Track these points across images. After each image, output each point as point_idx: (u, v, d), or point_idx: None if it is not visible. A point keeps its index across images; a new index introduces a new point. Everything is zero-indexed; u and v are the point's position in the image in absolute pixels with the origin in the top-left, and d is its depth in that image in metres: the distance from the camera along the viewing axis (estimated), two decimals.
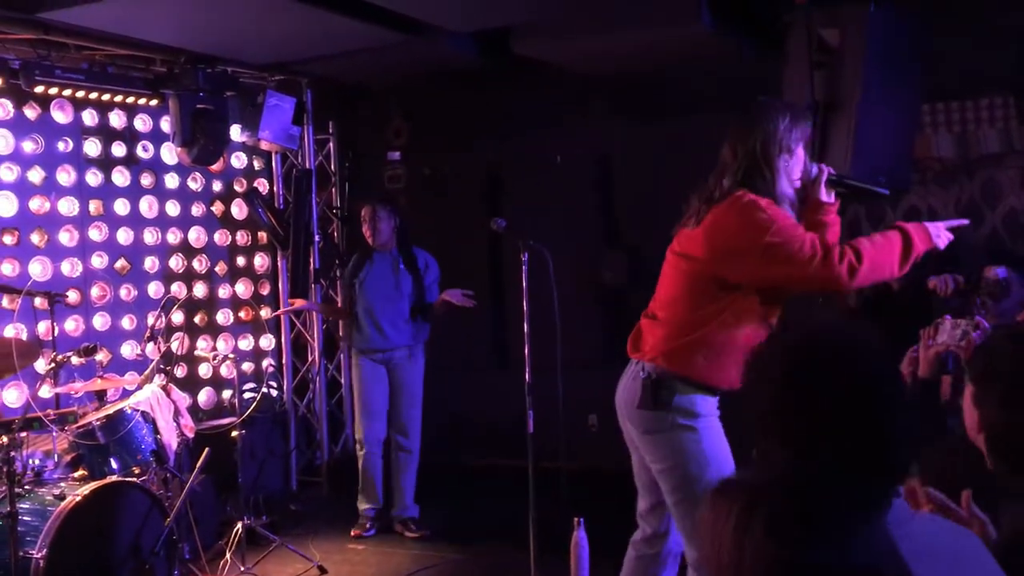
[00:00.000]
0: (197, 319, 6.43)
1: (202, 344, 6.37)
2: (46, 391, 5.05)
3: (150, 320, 5.06)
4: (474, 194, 6.67)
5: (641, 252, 6.36)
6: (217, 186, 6.62)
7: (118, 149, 6.01)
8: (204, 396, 6.44)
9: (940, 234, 2.96)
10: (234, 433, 5.07)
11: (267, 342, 6.83)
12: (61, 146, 5.71)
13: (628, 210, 6.45)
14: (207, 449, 4.68)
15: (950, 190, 5.55)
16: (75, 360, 4.60)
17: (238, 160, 6.73)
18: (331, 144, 6.90)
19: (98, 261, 5.88)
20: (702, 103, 5.85)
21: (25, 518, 3.85)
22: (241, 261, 6.77)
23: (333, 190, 6.90)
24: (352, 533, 5.52)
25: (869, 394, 1.41)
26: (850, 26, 4.07)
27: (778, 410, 1.45)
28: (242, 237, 6.78)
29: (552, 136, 6.46)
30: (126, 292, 6.02)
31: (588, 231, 6.47)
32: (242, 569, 4.75)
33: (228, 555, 4.82)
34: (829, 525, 1.19)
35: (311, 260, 6.63)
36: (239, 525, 4.86)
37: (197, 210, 6.47)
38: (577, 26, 5.27)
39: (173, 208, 6.31)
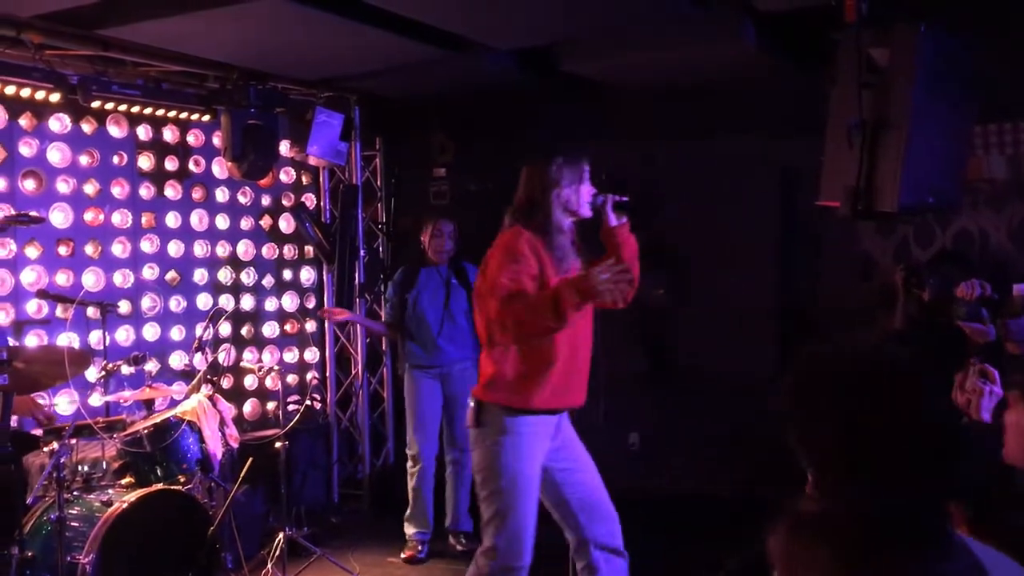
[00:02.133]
0: (244, 331, 6.52)
1: (248, 356, 6.46)
2: (96, 399, 5.15)
3: (198, 331, 5.15)
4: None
5: (685, 270, 6.34)
6: (266, 200, 6.72)
7: (170, 163, 6.14)
8: (249, 407, 6.52)
9: (608, 279, 3.25)
10: (278, 444, 5.13)
11: (311, 355, 6.91)
12: (116, 160, 5.85)
13: (671, 227, 6.43)
14: (251, 459, 4.74)
15: (1003, 212, 5.45)
16: (125, 369, 4.70)
17: (286, 175, 6.83)
18: (377, 160, 6.98)
19: (149, 273, 6.00)
20: (747, 121, 5.83)
21: (73, 523, 3.94)
22: (288, 274, 6.86)
23: (379, 205, 6.97)
24: (403, 555, 5.47)
25: (937, 427, 1.41)
26: (900, 46, 4.03)
27: (844, 448, 1.43)
28: (289, 251, 6.87)
29: (595, 153, 6.47)
30: (176, 303, 6.13)
31: None
32: None
33: (269, 565, 4.87)
34: (915, 552, 1.20)
35: (356, 274, 6.70)
36: (281, 536, 4.90)
37: (246, 224, 6.58)
38: (620, 43, 5.28)
39: (223, 221, 6.42)
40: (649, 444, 6.45)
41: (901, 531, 1.23)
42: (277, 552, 4.87)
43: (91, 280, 5.67)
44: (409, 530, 5.54)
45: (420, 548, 5.49)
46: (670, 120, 6.14)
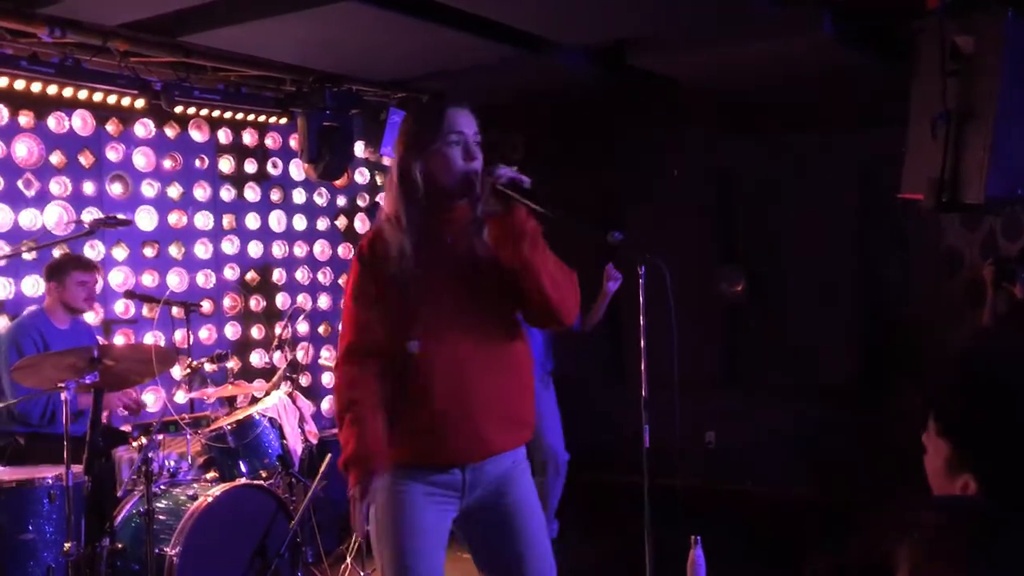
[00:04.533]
0: (321, 329, 6.64)
1: (325, 354, 6.56)
2: (181, 396, 5.30)
3: (277, 330, 5.26)
4: (590, 207, 6.68)
5: (760, 268, 6.24)
6: (341, 201, 6.83)
7: (250, 166, 6.28)
8: (327, 404, 6.63)
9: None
10: None
11: None
12: (197, 163, 6.02)
13: (747, 225, 6.34)
14: (329, 455, 4.82)
15: None
16: (208, 367, 4.82)
17: (361, 175, 6.92)
18: None
19: (230, 273, 6.15)
20: (824, 115, 5.71)
21: (160, 516, 4.05)
22: None
23: None
24: None
25: None
26: (986, 33, 3.90)
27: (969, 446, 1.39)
28: (357, 247, 6.96)
29: (669, 150, 6.42)
30: (255, 303, 6.27)
31: (706, 246, 6.39)
32: (362, 574, 4.86)
33: (348, 560, 4.94)
34: None
35: None
36: None
37: (322, 224, 6.69)
38: (695, 38, 5.22)
39: (300, 222, 6.55)
40: (726, 443, 6.37)
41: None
42: (356, 548, 4.95)
43: (175, 280, 5.84)
44: None
45: None
46: (746, 115, 6.06)
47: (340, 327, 2.65)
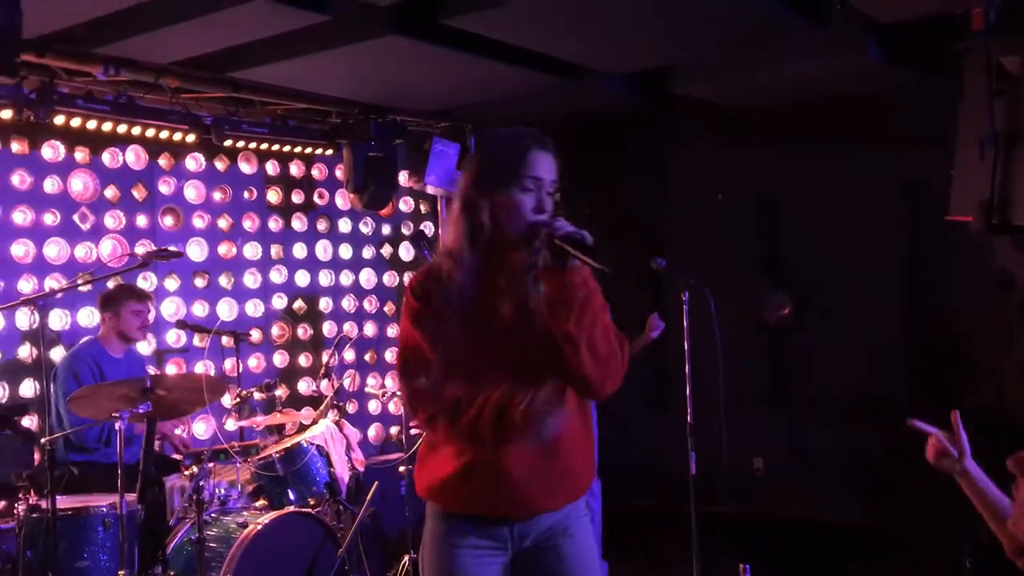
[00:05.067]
0: (367, 357, 6.70)
1: (371, 381, 6.62)
2: (231, 424, 5.38)
3: (324, 358, 5.32)
4: (635, 233, 6.67)
5: (806, 291, 6.18)
6: (386, 229, 6.91)
7: (297, 196, 6.38)
8: (373, 431, 6.68)
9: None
10: (401, 468, 5.23)
11: None
12: (246, 195, 6.13)
13: (792, 248, 6.29)
14: (376, 483, 4.85)
15: None
16: (257, 395, 4.89)
17: (405, 204, 7.00)
18: None
19: (278, 302, 6.24)
20: (871, 136, 5.67)
21: (211, 544, 4.10)
22: None
23: None
24: None
25: None
26: None
27: None
28: (409, 279, 7.02)
29: (713, 174, 6.40)
30: (303, 331, 6.35)
31: (751, 270, 6.34)
32: None
33: None
34: None
35: None
36: (406, 558, 4.99)
37: (368, 253, 6.77)
38: (737, 62, 5.22)
39: (346, 251, 6.63)
40: (775, 468, 6.29)
41: None
42: (404, 574, 4.96)
43: (225, 310, 5.94)
44: None
45: None
46: (791, 138, 6.03)
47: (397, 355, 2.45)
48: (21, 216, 5.17)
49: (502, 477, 2.27)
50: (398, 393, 1.83)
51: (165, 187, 5.75)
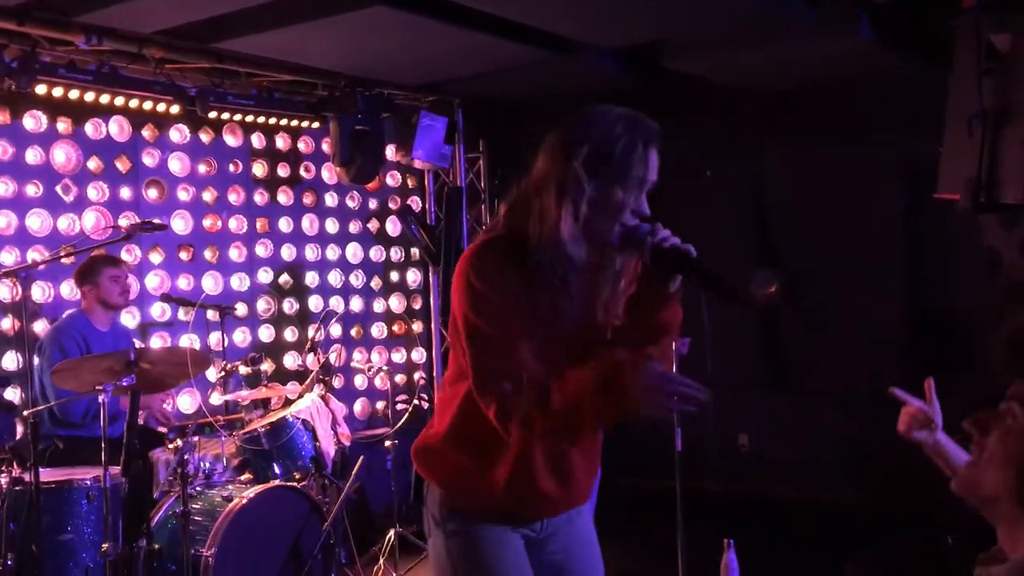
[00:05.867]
0: (353, 332, 6.68)
1: (358, 356, 6.61)
2: (216, 398, 5.36)
3: (310, 332, 5.31)
4: None
5: (795, 271, 6.18)
6: (373, 204, 6.87)
7: (282, 170, 6.33)
8: (359, 406, 6.67)
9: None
10: (387, 443, 5.23)
11: (419, 355, 7.02)
12: (231, 168, 6.08)
13: (782, 228, 6.29)
14: (362, 457, 4.85)
15: None
16: (242, 369, 4.87)
17: (392, 179, 6.96)
18: (481, 162, 7.04)
19: (264, 276, 6.21)
20: (859, 118, 5.65)
21: (196, 517, 4.09)
22: (395, 276, 6.99)
23: (483, 207, 7.03)
24: None
25: None
26: (1023, 31, 3.85)
27: None
28: (396, 253, 7.00)
29: (703, 153, 6.37)
30: (288, 306, 6.32)
31: (740, 249, 6.34)
32: (394, 575, 4.89)
33: (381, 561, 4.97)
34: None
35: None
36: (392, 533, 5.00)
37: (354, 227, 6.73)
38: (729, 40, 5.18)
39: (332, 225, 6.59)
40: (760, 446, 6.32)
41: None
42: (389, 549, 4.97)
43: (210, 284, 5.90)
44: None
45: None
46: (783, 118, 6.01)
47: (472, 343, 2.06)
48: (3, 187, 5.11)
49: (557, 482, 2.17)
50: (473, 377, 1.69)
51: (149, 159, 5.69)
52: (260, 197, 6.22)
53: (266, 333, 6.19)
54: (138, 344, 5.24)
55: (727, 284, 1.97)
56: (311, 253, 6.47)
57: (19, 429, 4.86)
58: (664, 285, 2.06)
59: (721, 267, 2.06)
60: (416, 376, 7.00)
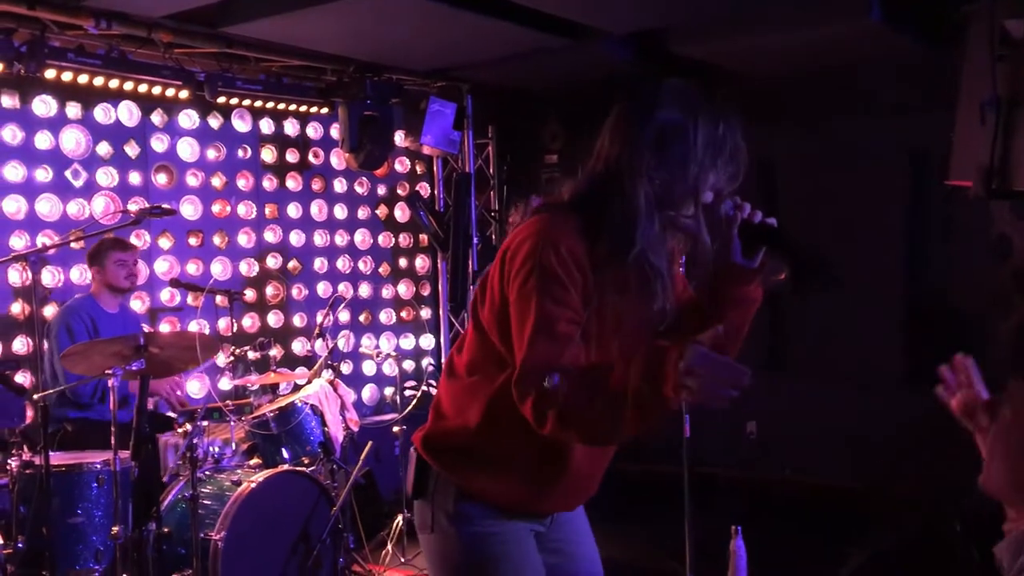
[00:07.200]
0: (362, 318, 6.69)
1: (366, 342, 6.62)
2: (225, 383, 5.37)
3: (319, 318, 5.31)
4: None
5: (804, 256, 6.16)
6: (381, 190, 6.86)
7: (291, 156, 6.33)
8: (368, 392, 6.69)
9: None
10: (396, 428, 5.24)
11: (427, 341, 7.03)
12: (240, 153, 6.08)
13: (791, 213, 6.25)
14: (370, 443, 4.86)
15: None
16: (251, 355, 4.88)
17: (401, 165, 6.95)
18: (490, 148, 7.03)
19: (272, 262, 6.22)
20: (871, 103, 5.61)
21: (205, 501, 4.11)
22: (403, 262, 7.00)
23: (492, 193, 7.02)
24: None
25: None
26: None
27: None
28: (404, 239, 7.00)
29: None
30: (297, 291, 6.33)
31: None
32: (402, 560, 4.91)
33: (389, 546, 4.99)
34: None
35: (470, 262, 6.78)
36: (400, 518, 5.02)
37: (363, 213, 6.73)
38: (738, 25, 5.16)
39: (341, 211, 6.59)
40: (768, 433, 6.32)
41: None
42: (396, 534, 4.99)
43: (219, 269, 5.92)
44: None
45: None
46: (791, 102, 5.97)
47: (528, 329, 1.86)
48: (13, 172, 5.12)
49: (586, 481, 2.15)
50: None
51: (158, 144, 5.69)
52: (269, 183, 6.22)
53: (275, 318, 6.21)
54: (147, 329, 5.26)
55: (820, 261, 1.93)
56: (320, 239, 6.48)
57: (29, 413, 4.89)
58: (751, 261, 2.04)
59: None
60: (424, 362, 7.01)
